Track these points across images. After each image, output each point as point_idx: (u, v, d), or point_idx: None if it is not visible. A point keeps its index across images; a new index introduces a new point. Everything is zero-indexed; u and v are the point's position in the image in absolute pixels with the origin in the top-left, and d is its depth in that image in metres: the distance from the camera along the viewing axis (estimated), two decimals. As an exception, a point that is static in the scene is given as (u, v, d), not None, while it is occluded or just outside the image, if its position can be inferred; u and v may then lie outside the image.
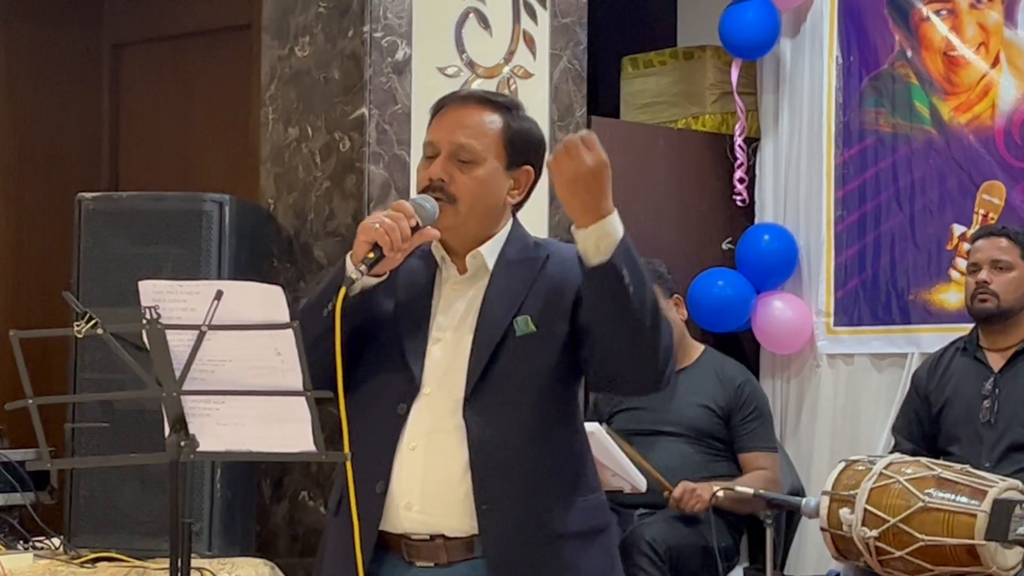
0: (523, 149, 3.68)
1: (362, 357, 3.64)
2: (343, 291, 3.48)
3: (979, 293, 6.19)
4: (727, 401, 6.65)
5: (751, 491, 6.07)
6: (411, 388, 3.60)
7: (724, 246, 7.86)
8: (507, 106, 3.71)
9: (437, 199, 3.60)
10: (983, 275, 6.19)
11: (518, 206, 3.74)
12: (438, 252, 3.70)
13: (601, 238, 3.41)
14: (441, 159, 3.62)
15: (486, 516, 3.51)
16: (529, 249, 3.70)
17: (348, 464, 3.52)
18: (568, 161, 3.38)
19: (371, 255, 3.50)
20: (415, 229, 3.54)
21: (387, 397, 3.62)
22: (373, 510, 3.56)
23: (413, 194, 3.74)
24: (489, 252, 3.67)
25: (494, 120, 3.66)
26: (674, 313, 6.74)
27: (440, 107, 3.72)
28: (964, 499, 5.60)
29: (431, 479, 3.55)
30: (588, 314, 3.50)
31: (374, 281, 3.57)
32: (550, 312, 3.57)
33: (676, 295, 6.81)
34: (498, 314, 3.60)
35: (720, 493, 6.27)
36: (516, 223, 3.76)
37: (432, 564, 3.56)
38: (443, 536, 3.55)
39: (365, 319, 3.62)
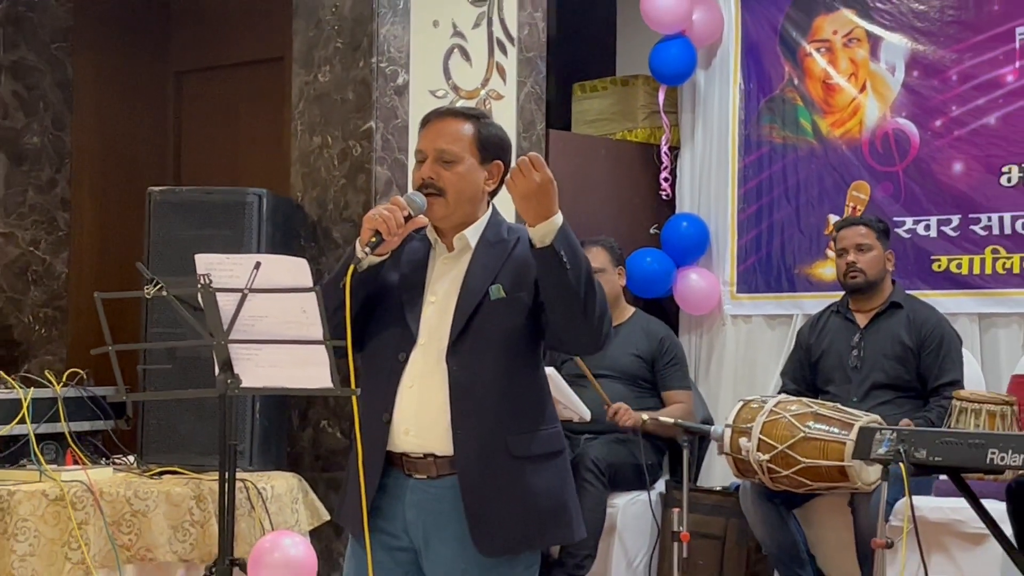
0: (492, 147, 3.67)
1: (373, 317, 3.65)
2: (352, 268, 3.52)
3: (850, 271, 6.23)
4: (651, 351, 6.67)
5: (672, 420, 6.07)
6: (409, 340, 3.60)
7: (651, 231, 7.85)
8: (476, 116, 3.71)
9: (429, 194, 3.61)
10: (851, 257, 6.22)
11: (494, 193, 3.73)
12: (432, 235, 3.71)
13: (546, 233, 3.44)
14: (429, 162, 3.64)
15: (459, 440, 3.52)
16: (503, 232, 3.70)
17: (354, 399, 3.57)
18: (521, 179, 3.42)
19: (373, 239, 3.53)
20: (408, 218, 3.57)
21: (391, 347, 3.62)
22: (381, 435, 3.58)
23: (410, 190, 3.74)
24: (472, 234, 3.67)
25: (467, 127, 3.65)
26: (617, 279, 6.77)
27: (425, 122, 3.73)
28: (836, 430, 5.63)
29: (423, 410, 3.56)
30: (540, 285, 3.52)
31: (378, 260, 3.59)
32: (518, 283, 3.58)
33: (621, 266, 6.84)
34: (477, 283, 3.60)
35: (647, 418, 6.29)
36: (495, 211, 3.76)
37: (425, 476, 3.57)
38: (433, 455, 3.56)
39: (376, 288, 3.63)
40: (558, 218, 3.45)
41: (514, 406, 3.57)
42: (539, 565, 3.68)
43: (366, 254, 3.54)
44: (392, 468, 3.60)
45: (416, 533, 3.58)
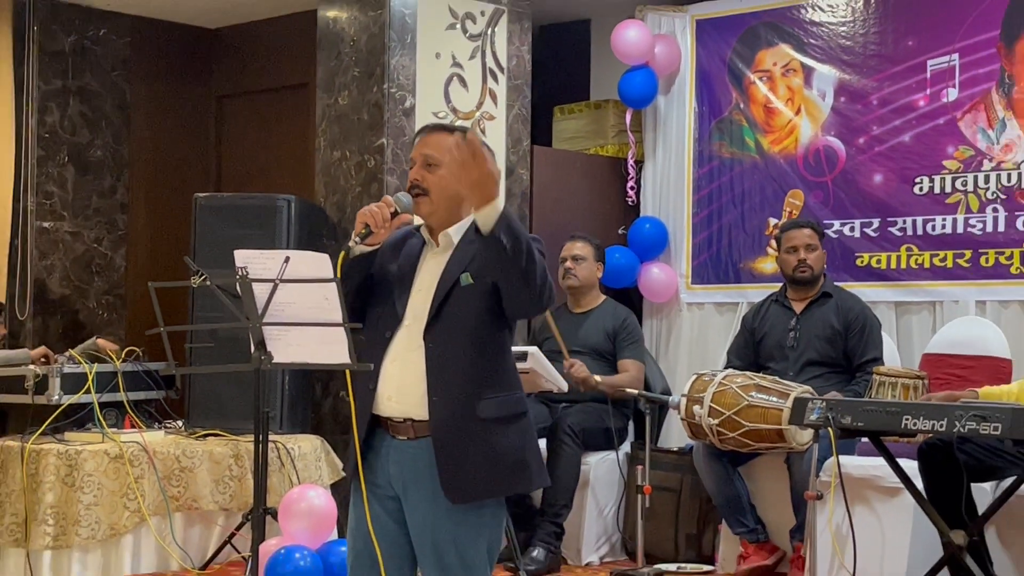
0: None
1: (371, 301, 3.63)
2: (343, 254, 3.50)
3: (800, 268, 6.17)
4: (615, 328, 6.65)
5: (635, 392, 6.06)
6: (396, 321, 3.55)
7: (619, 231, 7.84)
8: (458, 130, 3.66)
9: (416, 195, 3.57)
10: (802, 255, 6.17)
11: None
12: (425, 233, 3.67)
13: (488, 216, 3.33)
14: (417, 167, 3.60)
15: (434, 406, 3.48)
16: None
17: (348, 373, 3.56)
18: (473, 166, 3.28)
19: (363, 231, 3.50)
20: (395, 214, 3.54)
21: (381, 326, 3.58)
22: (368, 401, 3.55)
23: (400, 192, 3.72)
24: (455, 232, 3.60)
25: (450, 139, 3.61)
26: (595, 270, 6.75)
27: (418, 134, 3.70)
28: (774, 399, 5.62)
29: (403, 381, 3.51)
30: (487, 260, 3.45)
31: (368, 249, 3.55)
32: (484, 271, 3.53)
33: (600, 262, 6.80)
34: (452, 274, 3.55)
35: (599, 379, 6.30)
36: None
37: (406, 437, 3.52)
38: (411, 419, 3.51)
39: (376, 276, 3.60)
40: (499, 204, 3.34)
41: (481, 376, 3.51)
42: (505, 513, 3.64)
43: (356, 243, 3.51)
44: (378, 429, 3.57)
45: (398, 485, 3.56)
